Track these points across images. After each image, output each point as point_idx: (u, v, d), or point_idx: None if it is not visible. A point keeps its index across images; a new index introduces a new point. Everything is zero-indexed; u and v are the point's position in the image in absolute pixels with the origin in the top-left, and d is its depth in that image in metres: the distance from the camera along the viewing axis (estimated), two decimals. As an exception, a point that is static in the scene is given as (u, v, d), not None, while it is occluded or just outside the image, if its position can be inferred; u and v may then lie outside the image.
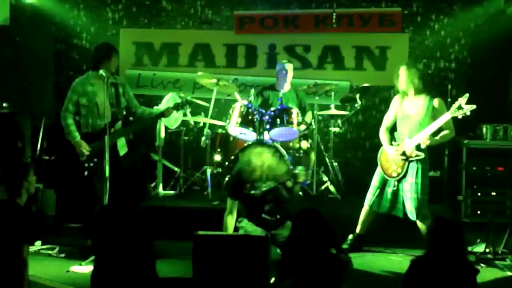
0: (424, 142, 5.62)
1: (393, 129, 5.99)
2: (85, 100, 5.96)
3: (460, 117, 5.54)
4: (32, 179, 4.48)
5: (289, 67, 7.46)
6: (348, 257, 4.32)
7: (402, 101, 5.86)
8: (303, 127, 7.21)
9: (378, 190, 5.93)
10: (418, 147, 5.68)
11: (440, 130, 5.69)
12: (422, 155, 5.69)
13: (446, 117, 5.55)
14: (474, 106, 5.49)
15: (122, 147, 6.12)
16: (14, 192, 4.35)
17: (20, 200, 4.36)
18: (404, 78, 5.78)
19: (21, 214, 4.32)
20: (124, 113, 6.12)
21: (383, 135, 5.97)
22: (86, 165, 5.94)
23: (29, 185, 4.43)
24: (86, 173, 5.93)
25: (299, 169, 5.86)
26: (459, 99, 5.51)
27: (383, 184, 5.92)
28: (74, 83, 6.07)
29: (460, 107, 5.48)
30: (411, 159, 5.72)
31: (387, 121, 6.01)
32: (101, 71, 5.75)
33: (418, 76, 5.74)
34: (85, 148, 5.89)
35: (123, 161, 6.08)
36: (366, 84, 7.61)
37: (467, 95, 5.53)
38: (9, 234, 4.17)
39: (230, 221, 5.61)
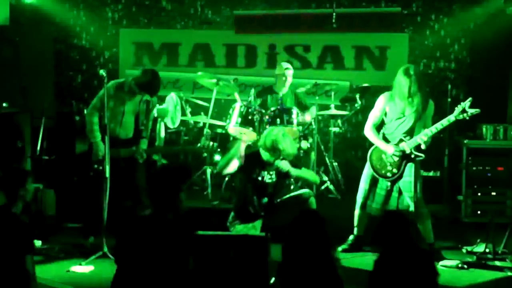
0: (426, 143, 5.62)
1: (378, 127, 5.95)
2: (112, 104, 5.96)
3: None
4: (30, 188, 4.33)
5: (289, 73, 7.41)
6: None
7: (393, 101, 5.76)
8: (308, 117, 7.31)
9: (368, 192, 5.89)
10: (417, 148, 5.68)
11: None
12: (422, 156, 5.67)
13: (450, 119, 5.55)
14: (479, 110, 5.50)
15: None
16: (11, 198, 4.21)
17: (15, 208, 4.22)
18: (400, 81, 5.70)
19: (16, 223, 4.13)
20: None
21: (373, 134, 5.87)
22: (96, 166, 5.98)
23: (26, 194, 4.29)
24: (91, 173, 6.01)
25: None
26: (462, 103, 5.52)
27: (373, 185, 5.88)
28: (110, 84, 5.99)
29: (464, 111, 5.51)
30: (411, 159, 5.71)
31: (374, 120, 5.87)
32: (101, 71, 5.70)
33: (413, 80, 5.65)
34: (102, 151, 5.88)
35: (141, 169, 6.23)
36: (366, 84, 7.61)
37: (470, 99, 5.52)
38: (5, 242, 4.01)
39: None
